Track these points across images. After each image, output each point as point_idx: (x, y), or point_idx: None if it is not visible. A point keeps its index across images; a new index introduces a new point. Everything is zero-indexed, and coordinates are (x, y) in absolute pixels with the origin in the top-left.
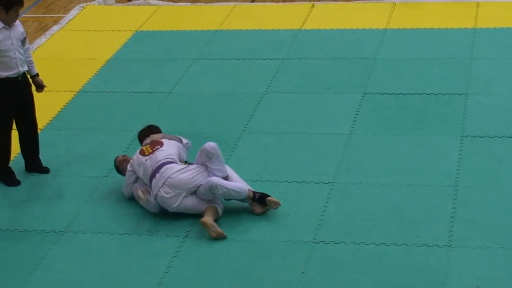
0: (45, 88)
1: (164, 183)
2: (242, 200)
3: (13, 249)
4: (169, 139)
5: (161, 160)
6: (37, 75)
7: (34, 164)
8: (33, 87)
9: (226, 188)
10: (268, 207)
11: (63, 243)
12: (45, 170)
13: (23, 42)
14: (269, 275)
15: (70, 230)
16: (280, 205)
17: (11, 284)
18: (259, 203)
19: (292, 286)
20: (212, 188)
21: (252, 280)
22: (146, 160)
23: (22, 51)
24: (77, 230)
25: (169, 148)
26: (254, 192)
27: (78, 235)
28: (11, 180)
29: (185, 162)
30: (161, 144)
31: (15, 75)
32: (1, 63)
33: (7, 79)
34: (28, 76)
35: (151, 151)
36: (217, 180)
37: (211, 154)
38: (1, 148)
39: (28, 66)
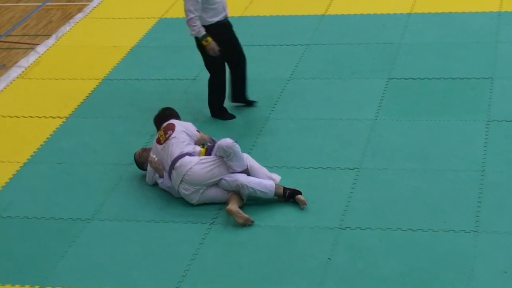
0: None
1: (182, 180)
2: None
3: (40, 237)
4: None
5: (174, 154)
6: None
7: (241, 96)
8: None
9: (252, 188)
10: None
11: (89, 231)
12: (250, 103)
13: None
14: (295, 261)
15: (96, 217)
16: (306, 205)
17: (39, 271)
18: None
19: (318, 273)
20: (238, 187)
21: (278, 267)
22: (161, 149)
23: None
24: (104, 217)
25: (180, 134)
26: (284, 189)
27: (105, 222)
28: (227, 115)
29: (202, 146)
30: (173, 128)
31: (223, 19)
32: (212, 10)
33: (218, 23)
34: None
35: (165, 137)
36: (243, 179)
37: (228, 152)
38: (221, 88)
39: None
